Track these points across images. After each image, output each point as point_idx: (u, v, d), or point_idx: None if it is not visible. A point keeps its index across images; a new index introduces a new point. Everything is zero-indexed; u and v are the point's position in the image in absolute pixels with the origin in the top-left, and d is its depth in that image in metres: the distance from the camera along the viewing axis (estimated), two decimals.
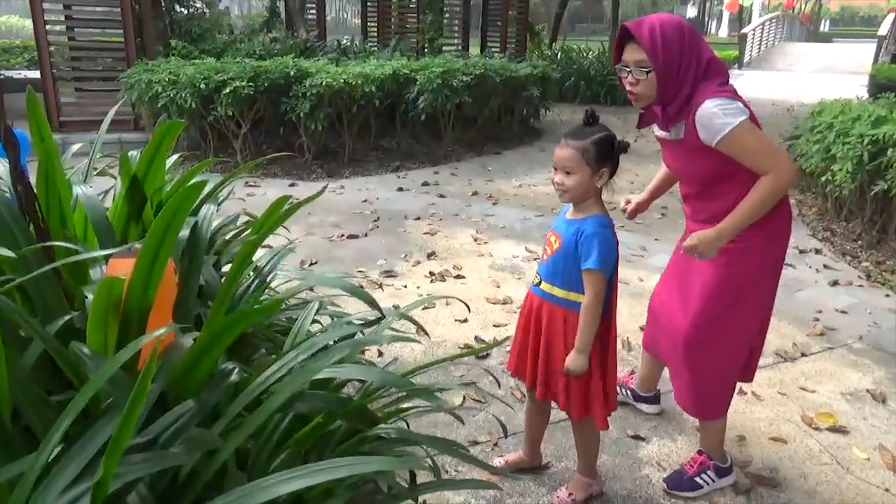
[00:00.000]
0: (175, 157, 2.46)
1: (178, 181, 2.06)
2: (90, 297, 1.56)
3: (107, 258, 1.39)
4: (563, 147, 1.83)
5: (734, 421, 2.62)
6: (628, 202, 2.30)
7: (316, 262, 4.22)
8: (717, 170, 1.93)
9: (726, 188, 1.94)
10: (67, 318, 1.52)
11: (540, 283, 1.96)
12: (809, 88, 15.81)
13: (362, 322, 1.57)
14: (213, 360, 1.37)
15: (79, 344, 1.39)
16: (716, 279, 2.02)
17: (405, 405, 1.61)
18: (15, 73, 9.24)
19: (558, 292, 1.91)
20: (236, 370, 1.46)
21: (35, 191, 1.74)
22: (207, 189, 2.42)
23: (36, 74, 7.93)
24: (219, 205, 2.02)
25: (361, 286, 3.94)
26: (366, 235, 4.78)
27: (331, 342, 1.51)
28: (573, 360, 1.86)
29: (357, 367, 1.32)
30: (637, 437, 2.50)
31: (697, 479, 2.20)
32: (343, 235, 4.73)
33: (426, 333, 1.95)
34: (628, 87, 1.93)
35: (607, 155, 1.83)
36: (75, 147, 2.81)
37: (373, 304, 1.40)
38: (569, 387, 1.93)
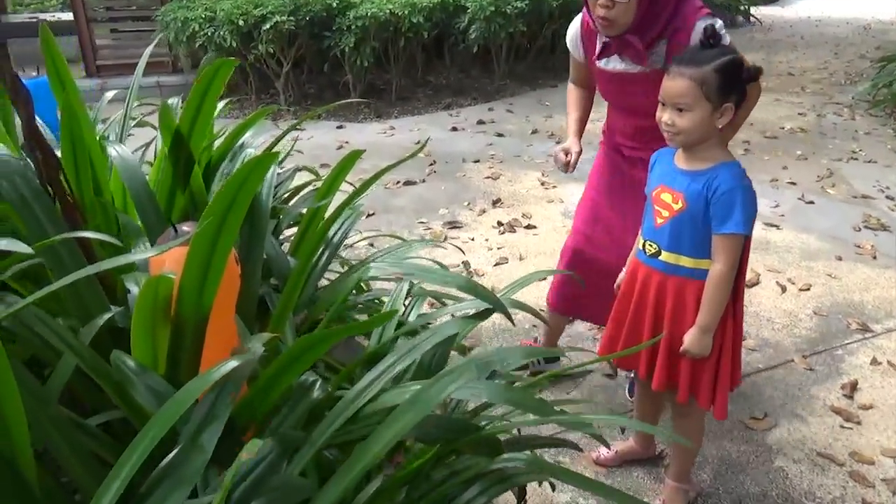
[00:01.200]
0: (221, 104, 2.13)
1: (229, 134, 1.73)
2: (134, 290, 1.27)
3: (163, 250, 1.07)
4: (675, 76, 1.43)
5: (870, 398, 2.25)
6: (567, 153, 1.91)
7: (373, 214, 3.90)
8: None
9: None
10: (108, 315, 1.23)
11: (659, 252, 1.57)
12: (884, 3, 14.48)
13: (473, 313, 1.23)
14: (292, 380, 1.06)
15: (122, 354, 1.10)
16: None
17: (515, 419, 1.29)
18: (49, 16, 8.94)
19: (687, 262, 1.53)
20: (318, 384, 1.16)
21: (60, 155, 1.43)
22: (258, 140, 2.09)
23: (70, 17, 7.62)
24: (280, 162, 1.70)
25: (424, 238, 3.62)
26: (423, 182, 4.42)
27: (432, 342, 1.18)
28: (698, 341, 1.51)
29: (488, 387, 0.98)
30: (761, 420, 2.16)
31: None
32: (399, 183, 4.37)
33: (546, 322, 1.61)
34: (601, 12, 1.67)
35: (733, 85, 1.43)
36: (110, 94, 2.49)
37: (496, 302, 1.06)
38: (695, 373, 1.57)
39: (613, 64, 1.80)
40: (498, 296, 1.38)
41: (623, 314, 1.65)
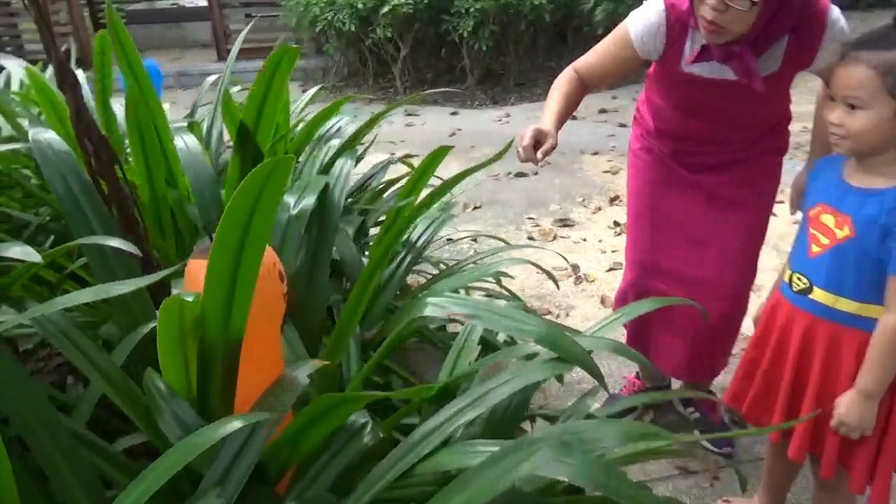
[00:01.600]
0: (314, 89, 2.00)
1: (306, 125, 1.59)
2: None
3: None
4: (850, 63, 1.10)
5: None
6: (539, 140, 1.40)
7: (479, 206, 3.71)
8: (785, 94, 1.58)
9: (776, 110, 1.60)
10: (151, 325, 1.11)
11: (810, 289, 1.24)
12: None
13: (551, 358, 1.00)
14: (338, 423, 0.89)
15: (154, 376, 0.98)
16: (758, 214, 1.65)
17: None
18: (187, 2, 9.45)
19: (847, 306, 1.20)
20: (369, 428, 0.98)
21: (124, 144, 1.34)
22: (348, 129, 1.95)
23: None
24: (359, 158, 1.53)
25: (531, 237, 3.39)
26: (536, 174, 4.16)
27: (511, 388, 0.97)
28: (857, 410, 1.17)
29: (572, 462, 0.75)
30: None
31: None
32: (510, 174, 4.15)
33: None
34: (708, 15, 1.29)
35: None
36: (212, 78, 2.45)
37: (581, 359, 0.83)
38: (847, 446, 1.23)
39: (708, 70, 1.45)
40: (594, 332, 1.15)
41: (756, 359, 1.34)
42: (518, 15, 5.91)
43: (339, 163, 1.41)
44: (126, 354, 1.02)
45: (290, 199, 1.28)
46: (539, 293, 2.72)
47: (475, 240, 3.20)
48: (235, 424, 0.72)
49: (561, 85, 1.61)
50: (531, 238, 3.31)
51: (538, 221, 3.50)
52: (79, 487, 0.86)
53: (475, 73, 6.28)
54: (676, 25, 1.44)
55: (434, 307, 0.87)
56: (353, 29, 5.79)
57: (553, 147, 1.41)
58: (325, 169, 1.43)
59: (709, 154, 1.61)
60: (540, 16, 5.96)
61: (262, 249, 0.79)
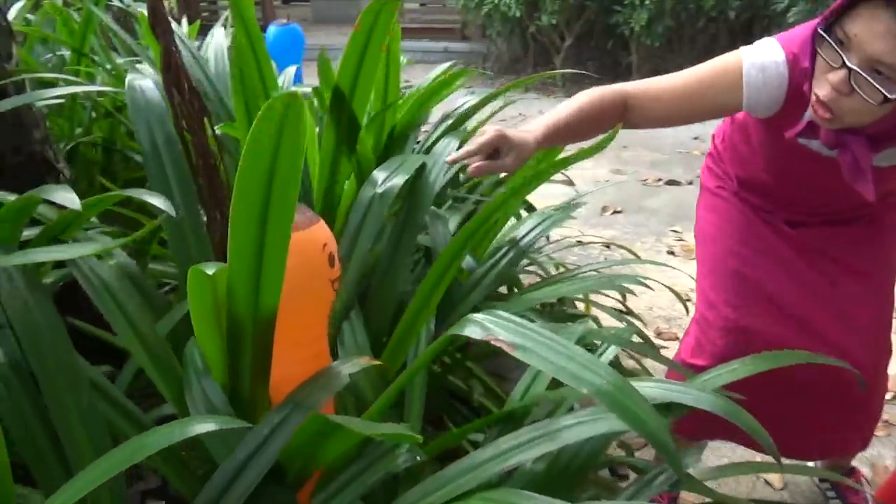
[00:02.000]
0: (443, 65, 1.87)
1: (420, 96, 1.46)
2: None
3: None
4: None
5: None
6: (502, 142, 1.01)
7: (620, 211, 3.44)
8: None
9: None
10: None
11: None
12: None
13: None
14: (356, 440, 0.77)
15: (196, 348, 0.91)
16: (885, 274, 1.32)
17: None
18: None
19: None
20: (405, 447, 0.85)
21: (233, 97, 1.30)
22: (462, 105, 1.81)
23: None
24: (462, 141, 1.39)
25: (672, 251, 3.07)
26: (689, 184, 3.79)
27: (586, 432, 0.79)
28: None
29: None
30: None
31: None
32: (660, 180, 3.81)
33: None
34: (825, 96, 0.97)
35: None
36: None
37: (670, 457, 0.61)
38: None
39: (817, 146, 1.12)
40: (703, 381, 0.93)
41: None
42: (699, 10, 5.45)
43: (443, 142, 1.28)
44: (173, 323, 0.97)
45: (379, 176, 1.17)
46: (668, 314, 2.44)
47: (608, 247, 2.96)
48: (208, 426, 0.61)
49: (587, 102, 1.14)
50: (671, 253, 3.01)
51: (682, 236, 3.17)
52: (90, 449, 0.81)
53: (642, 70, 5.90)
54: (799, 89, 1.09)
55: (475, 327, 0.71)
56: (518, 14, 5.65)
57: (506, 170, 1.02)
58: (428, 149, 1.31)
59: (808, 215, 1.27)
60: (724, 12, 5.46)
61: (292, 209, 0.68)
